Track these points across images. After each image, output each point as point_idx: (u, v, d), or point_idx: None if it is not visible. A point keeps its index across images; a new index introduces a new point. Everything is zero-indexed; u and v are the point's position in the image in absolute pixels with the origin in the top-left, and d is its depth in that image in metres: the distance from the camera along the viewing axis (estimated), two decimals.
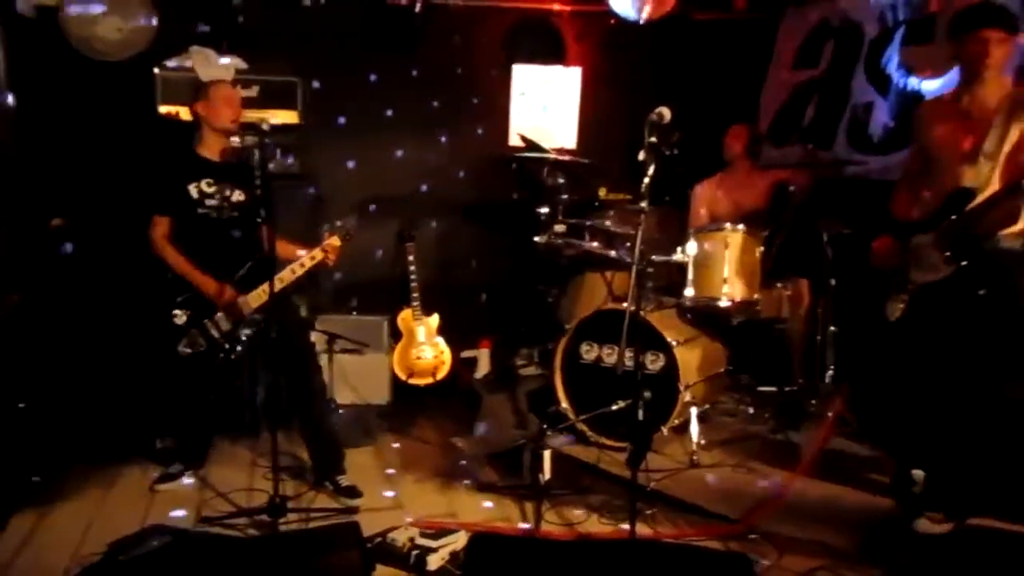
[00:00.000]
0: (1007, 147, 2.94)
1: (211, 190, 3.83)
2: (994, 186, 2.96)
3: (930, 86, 4.42)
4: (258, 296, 3.76)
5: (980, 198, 2.96)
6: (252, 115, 4.46)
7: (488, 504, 3.88)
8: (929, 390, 3.17)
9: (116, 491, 3.95)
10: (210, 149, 3.86)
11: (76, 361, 4.58)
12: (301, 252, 3.87)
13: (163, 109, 4.56)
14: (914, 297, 3.17)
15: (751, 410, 4.60)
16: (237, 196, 3.86)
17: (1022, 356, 3.08)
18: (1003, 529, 3.13)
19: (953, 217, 3.01)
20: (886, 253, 3.29)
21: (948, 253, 3.02)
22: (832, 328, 4.41)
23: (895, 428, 3.32)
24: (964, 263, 3.00)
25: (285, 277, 3.79)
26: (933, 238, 3.08)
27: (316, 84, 4.99)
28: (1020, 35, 3.04)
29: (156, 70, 4.56)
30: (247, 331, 3.81)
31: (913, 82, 4.54)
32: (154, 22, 4.60)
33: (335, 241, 3.85)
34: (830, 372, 4.37)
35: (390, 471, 4.27)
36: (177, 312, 3.77)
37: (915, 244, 3.18)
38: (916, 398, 3.22)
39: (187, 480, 4.03)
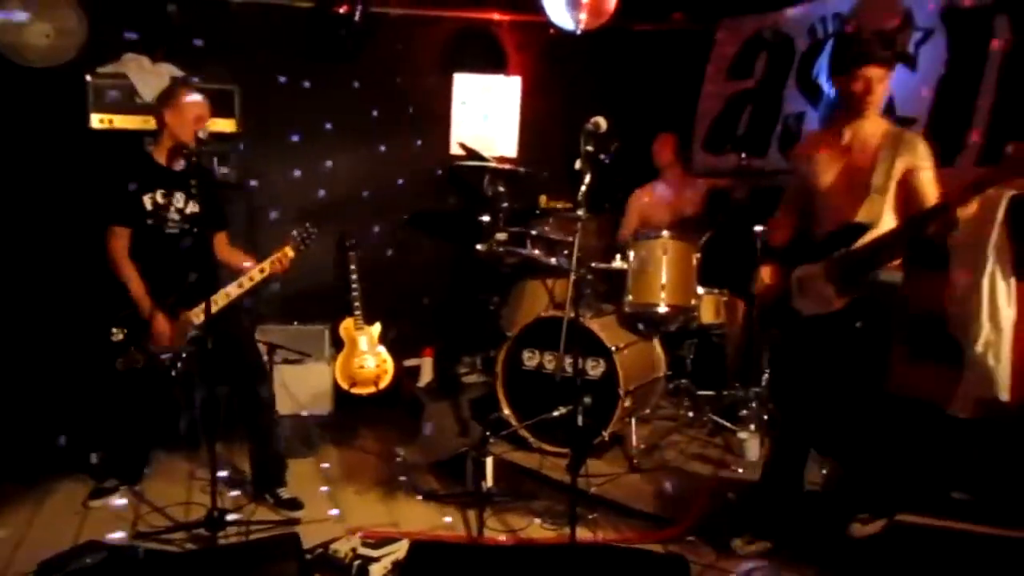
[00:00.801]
0: (894, 182, 2.98)
1: (163, 201, 3.76)
2: (886, 220, 2.99)
3: None
4: (200, 312, 3.66)
5: (874, 233, 2.97)
6: None
7: (431, 512, 3.88)
8: (819, 402, 3.25)
9: (48, 508, 3.85)
10: (164, 156, 3.79)
11: (5, 375, 4.45)
12: (248, 264, 3.82)
13: (96, 117, 4.45)
14: (799, 327, 3.19)
15: (690, 414, 4.68)
16: (191, 208, 3.79)
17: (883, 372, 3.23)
18: (930, 524, 3.26)
19: (845, 250, 3.02)
20: (771, 282, 3.31)
21: (841, 286, 3.03)
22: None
23: (809, 430, 3.38)
24: (857, 297, 3.02)
25: (232, 292, 3.74)
26: (823, 270, 3.08)
27: (254, 93, 4.93)
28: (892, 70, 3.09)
29: (88, 77, 4.46)
30: (188, 348, 3.74)
31: None
32: (84, 28, 4.50)
33: (288, 252, 3.80)
34: (765, 376, 4.47)
35: (329, 483, 4.24)
36: (114, 330, 3.68)
37: (801, 275, 3.17)
38: (812, 405, 3.28)
39: (122, 495, 3.94)
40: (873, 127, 3.08)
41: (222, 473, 4.02)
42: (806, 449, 3.37)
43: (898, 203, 3.00)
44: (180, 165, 3.81)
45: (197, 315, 3.70)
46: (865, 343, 3.07)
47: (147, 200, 3.74)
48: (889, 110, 4.33)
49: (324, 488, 4.16)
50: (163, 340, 3.68)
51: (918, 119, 4.21)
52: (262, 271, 3.77)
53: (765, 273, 3.34)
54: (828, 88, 4.79)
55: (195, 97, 3.78)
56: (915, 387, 4.13)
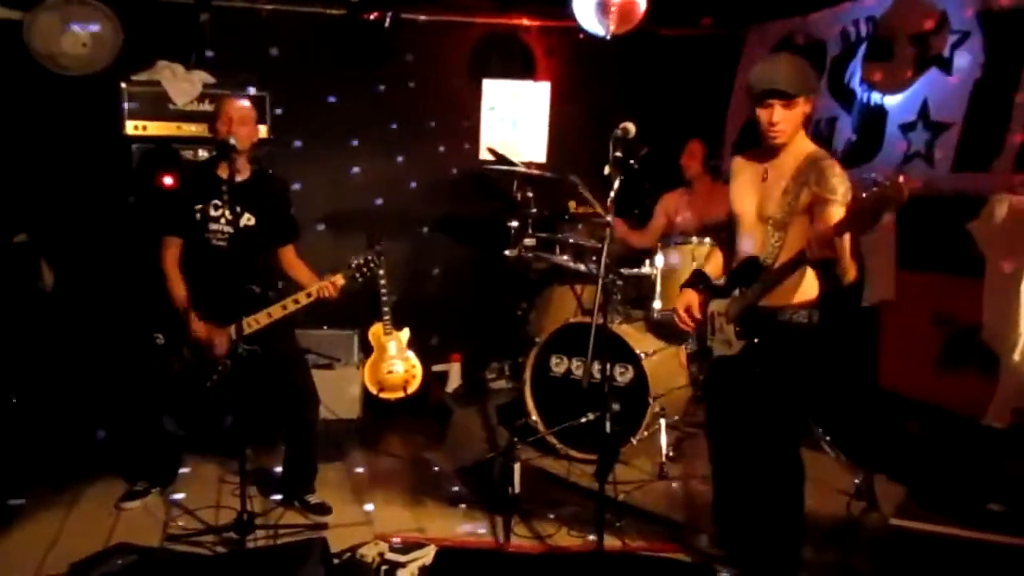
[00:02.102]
0: (797, 216, 2.77)
1: (216, 214, 3.74)
2: (782, 255, 2.79)
3: (891, 101, 4.51)
4: (246, 326, 3.67)
5: (769, 269, 2.81)
6: None
7: (458, 518, 3.87)
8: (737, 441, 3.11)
9: (80, 510, 3.89)
10: (223, 169, 3.69)
11: (41, 379, 4.53)
12: (312, 283, 3.80)
13: (130, 123, 4.52)
14: (712, 366, 3.08)
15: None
16: (246, 220, 3.75)
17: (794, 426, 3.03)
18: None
19: (739, 291, 2.89)
20: (694, 310, 3.12)
21: (738, 329, 2.90)
22: None
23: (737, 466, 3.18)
24: (755, 340, 2.85)
25: (274, 312, 3.73)
26: (726, 309, 2.96)
27: (284, 99, 4.97)
28: (806, 98, 2.83)
29: (122, 85, 4.52)
30: (227, 360, 3.73)
31: (876, 97, 4.63)
32: (119, 37, 4.57)
33: (339, 280, 3.79)
34: None
35: (357, 488, 4.25)
36: (157, 334, 3.72)
37: (712, 311, 3.06)
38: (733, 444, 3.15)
39: (153, 498, 3.98)
40: (791, 155, 2.87)
41: (252, 477, 4.04)
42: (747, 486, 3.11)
43: (802, 236, 2.73)
44: (243, 177, 3.75)
45: (241, 329, 3.71)
46: (766, 389, 2.88)
47: (201, 212, 3.73)
48: (923, 114, 4.28)
49: (352, 493, 4.17)
50: (204, 351, 3.69)
51: (954, 123, 4.14)
52: (308, 295, 3.76)
53: (693, 302, 3.13)
54: (861, 92, 4.74)
55: (237, 102, 3.79)
56: (947, 397, 4.07)
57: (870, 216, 2.38)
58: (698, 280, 3.16)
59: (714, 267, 3.22)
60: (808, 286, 2.84)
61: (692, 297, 3.10)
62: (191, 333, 3.69)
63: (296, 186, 5.31)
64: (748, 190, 2.96)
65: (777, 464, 2.95)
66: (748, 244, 2.94)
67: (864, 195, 2.40)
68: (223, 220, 3.73)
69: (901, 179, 2.28)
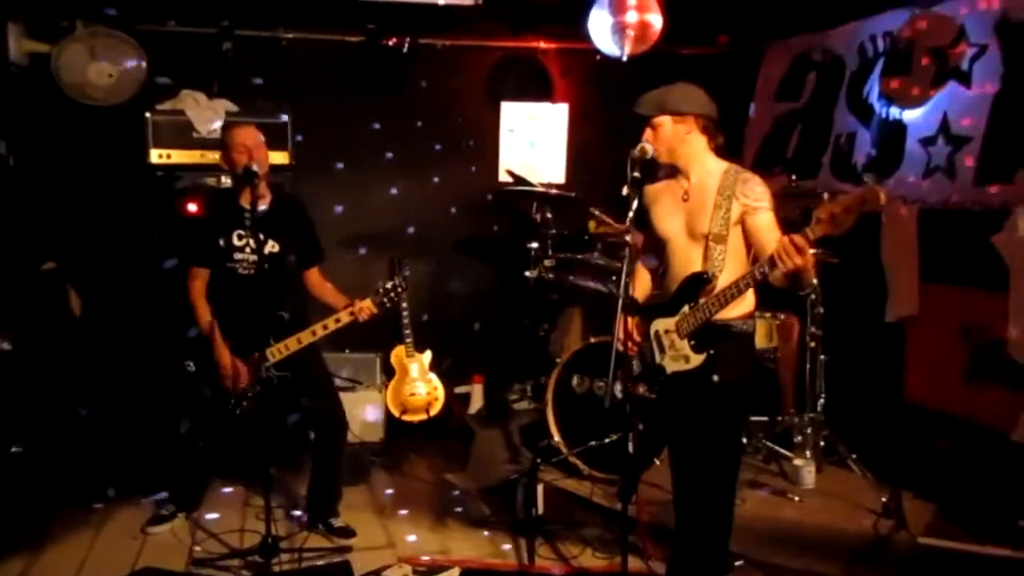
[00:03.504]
0: (731, 228, 2.88)
1: (240, 243, 3.78)
2: (729, 267, 2.88)
3: (911, 115, 4.48)
4: (275, 353, 3.73)
5: (718, 283, 2.87)
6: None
7: (481, 540, 3.87)
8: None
9: (107, 534, 3.94)
10: (245, 198, 3.74)
11: (68, 404, 4.59)
12: (340, 304, 3.85)
13: (155, 152, 4.60)
14: (665, 385, 3.05)
15: (744, 440, 4.59)
16: (270, 247, 3.79)
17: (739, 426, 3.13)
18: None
19: (690, 305, 2.93)
20: (634, 335, 3.10)
21: (693, 343, 2.93)
22: (823, 357, 4.43)
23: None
24: (712, 352, 2.90)
25: (304, 338, 3.76)
26: (676, 326, 2.98)
27: (305, 125, 5.04)
28: (674, 118, 2.98)
29: (147, 114, 4.61)
30: (255, 388, 3.76)
31: (895, 112, 4.61)
32: (144, 67, 4.66)
33: (368, 306, 3.81)
34: (821, 401, 4.37)
35: (381, 511, 4.26)
36: (188, 362, 3.76)
37: (657, 330, 3.06)
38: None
39: (179, 522, 4.01)
40: (707, 171, 2.98)
41: (276, 501, 4.06)
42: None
43: (739, 248, 2.91)
44: (264, 204, 3.78)
45: (271, 355, 3.74)
46: (722, 397, 2.93)
47: (224, 241, 3.78)
48: (944, 128, 4.25)
49: (376, 516, 4.18)
50: (231, 380, 3.72)
51: (975, 136, 4.11)
52: (337, 321, 3.79)
53: (631, 328, 3.12)
54: (879, 107, 4.72)
55: (247, 129, 3.82)
56: (974, 412, 4.02)
57: (847, 217, 2.47)
58: (630, 306, 3.18)
59: (640, 290, 3.26)
60: (750, 297, 2.93)
61: (630, 324, 3.11)
62: (222, 362, 3.72)
63: (317, 210, 5.39)
64: (671, 212, 3.03)
65: (726, 468, 3.01)
66: (684, 263, 3.00)
67: (840, 198, 2.51)
68: (248, 249, 3.76)
69: (879, 188, 2.44)
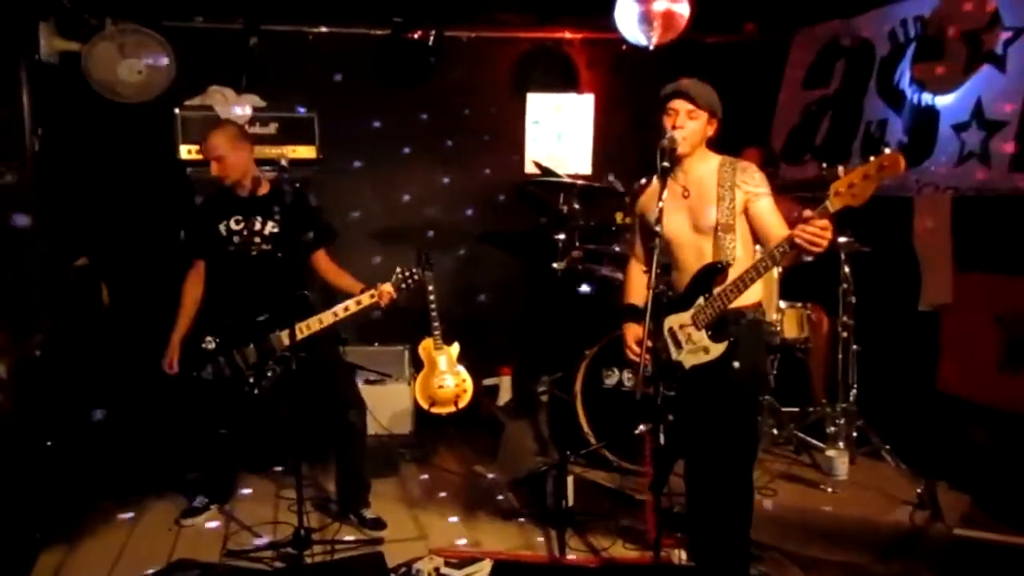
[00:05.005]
0: (738, 217, 2.94)
1: (238, 227, 3.86)
2: (740, 256, 2.94)
3: (943, 101, 4.42)
4: (301, 329, 3.73)
5: (731, 272, 2.90)
6: (271, 152, 4.57)
7: (512, 532, 3.87)
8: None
9: (142, 526, 3.99)
10: (240, 188, 3.90)
11: (101, 397, 4.64)
12: (355, 289, 3.86)
13: (184, 148, 4.64)
14: (685, 380, 3.04)
15: (775, 431, 4.57)
16: (270, 228, 3.87)
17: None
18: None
19: (705, 296, 2.95)
20: (639, 341, 3.02)
21: (711, 333, 2.94)
22: (855, 347, 4.38)
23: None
24: (732, 340, 2.93)
25: (325, 319, 3.78)
26: (692, 319, 2.99)
27: (332, 119, 5.05)
28: (710, 117, 3.05)
29: (176, 110, 4.65)
30: (276, 367, 3.81)
31: (927, 98, 4.54)
32: (173, 64, 4.70)
33: (388, 289, 3.82)
34: (853, 392, 4.33)
35: (411, 503, 4.27)
36: (208, 338, 3.82)
37: (673, 327, 3.05)
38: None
39: (212, 514, 4.05)
40: (704, 164, 3.05)
41: (308, 493, 4.09)
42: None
43: (747, 235, 2.99)
44: (262, 191, 3.90)
45: (288, 336, 3.77)
46: (744, 383, 2.99)
47: (222, 228, 3.85)
48: (977, 113, 4.18)
49: (406, 508, 4.20)
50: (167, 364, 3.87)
51: (1010, 121, 4.04)
52: (358, 303, 3.81)
53: (630, 335, 3.19)
54: (911, 93, 4.65)
55: (212, 133, 3.86)
56: (1010, 401, 3.97)
57: (866, 184, 2.48)
58: (630, 313, 3.24)
59: (637, 295, 3.24)
60: (757, 286, 2.94)
61: (636, 329, 3.12)
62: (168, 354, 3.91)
63: (342, 202, 5.41)
64: (672, 210, 3.02)
65: (748, 454, 3.09)
66: (693, 257, 3.02)
67: (858, 166, 2.52)
68: (250, 232, 3.86)
69: (899, 153, 2.46)
